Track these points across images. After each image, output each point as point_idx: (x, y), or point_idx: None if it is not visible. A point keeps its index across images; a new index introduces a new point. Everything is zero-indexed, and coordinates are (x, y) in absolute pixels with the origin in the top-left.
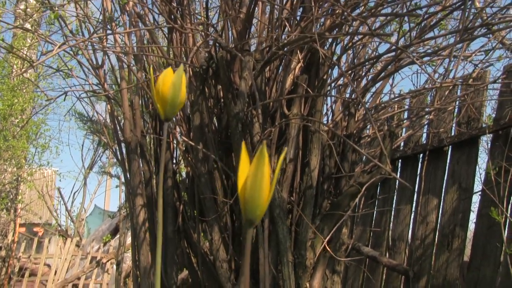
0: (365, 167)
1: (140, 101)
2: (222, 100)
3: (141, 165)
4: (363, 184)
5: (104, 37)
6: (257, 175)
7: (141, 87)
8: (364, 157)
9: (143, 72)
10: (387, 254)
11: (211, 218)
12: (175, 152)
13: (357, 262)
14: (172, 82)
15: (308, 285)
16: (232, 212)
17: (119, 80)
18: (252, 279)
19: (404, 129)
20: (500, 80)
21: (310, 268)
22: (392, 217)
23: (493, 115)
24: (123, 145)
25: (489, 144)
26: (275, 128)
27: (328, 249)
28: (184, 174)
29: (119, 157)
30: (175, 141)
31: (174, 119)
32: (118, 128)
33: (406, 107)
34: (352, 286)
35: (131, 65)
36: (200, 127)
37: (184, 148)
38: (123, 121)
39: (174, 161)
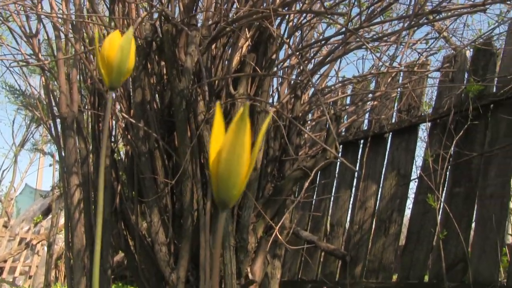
0: (309, 151)
1: (78, 74)
2: (165, 76)
3: (77, 142)
4: (308, 168)
5: (38, 1)
6: (236, 145)
7: (80, 59)
8: (308, 141)
9: (82, 43)
10: (325, 238)
11: (151, 199)
12: (114, 130)
13: (295, 245)
14: (120, 46)
15: (249, 269)
16: (173, 193)
17: (55, 51)
18: (192, 263)
19: (346, 114)
20: (444, 69)
21: (252, 253)
22: (331, 202)
23: (430, 103)
24: (58, 121)
25: (428, 132)
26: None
27: (278, 234)
28: (122, 153)
29: (54, 134)
30: (114, 118)
31: (113, 95)
32: (54, 102)
33: (349, 92)
34: (290, 270)
35: (69, 35)
36: (141, 104)
37: (123, 126)
38: (59, 95)
39: (113, 139)
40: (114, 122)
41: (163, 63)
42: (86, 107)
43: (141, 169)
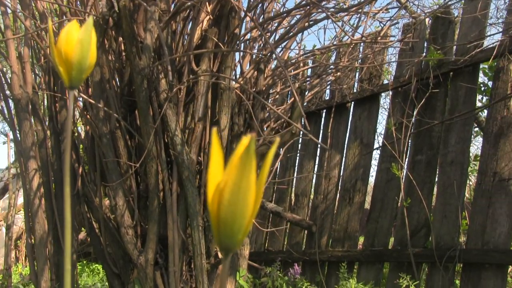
0: (274, 125)
1: (30, 52)
2: (123, 53)
3: (33, 124)
4: (273, 144)
5: None
6: (240, 185)
7: (31, 37)
8: (273, 114)
9: (32, 20)
10: (290, 209)
11: (115, 182)
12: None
13: (261, 217)
14: (79, 40)
15: (218, 248)
16: (137, 173)
17: (2, 27)
18: (160, 245)
19: (304, 84)
20: (405, 39)
21: None
22: (295, 172)
23: (390, 71)
24: (11, 102)
25: (390, 101)
26: (182, 85)
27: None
28: (80, 128)
29: (7, 116)
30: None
31: None
32: (5, 83)
33: (310, 63)
34: (256, 241)
35: (17, 11)
36: (100, 82)
37: (82, 105)
38: (10, 75)
39: (72, 120)
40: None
41: (120, 39)
42: (41, 87)
43: (103, 151)
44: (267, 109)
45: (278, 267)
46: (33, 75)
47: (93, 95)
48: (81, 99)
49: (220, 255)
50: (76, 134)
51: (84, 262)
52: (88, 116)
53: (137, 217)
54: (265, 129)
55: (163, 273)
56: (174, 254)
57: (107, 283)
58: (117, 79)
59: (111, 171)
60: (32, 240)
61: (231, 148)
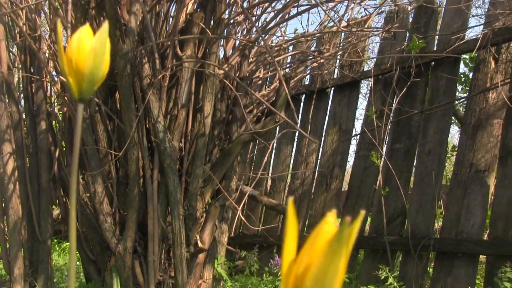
0: (256, 111)
1: (5, 29)
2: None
3: (8, 105)
4: (256, 132)
5: None
6: (327, 275)
7: (6, 14)
8: (256, 100)
9: None
10: (267, 193)
11: (93, 167)
12: (48, 91)
13: (236, 201)
14: (93, 49)
15: (198, 237)
16: (117, 159)
17: None
18: (139, 232)
19: (288, 70)
20: (390, 29)
21: (200, 219)
22: (272, 156)
23: (370, 56)
24: None
25: (371, 88)
26: (166, 71)
27: (230, 198)
28: (55, 104)
29: None
30: (48, 80)
31: (47, 53)
32: None
33: (291, 48)
34: (230, 225)
35: None
36: None
37: (60, 88)
38: None
39: (48, 101)
40: (49, 83)
41: (101, 19)
42: (17, 67)
43: (82, 136)
44: (250, 95)
45: (256, 253)
46: (9, 54)
47: None
48: (58, 79)
49: (200, 244)
50: (53, 117)
51: (55, 240)
52: (66, 98)
53: (116, 204)
54: (247, 115)
55: (141, 262)
56: (154, 243)
57: (78, 263)
58: None
59: (90, 157)
60: (6, 227)
61: (212, 135)
